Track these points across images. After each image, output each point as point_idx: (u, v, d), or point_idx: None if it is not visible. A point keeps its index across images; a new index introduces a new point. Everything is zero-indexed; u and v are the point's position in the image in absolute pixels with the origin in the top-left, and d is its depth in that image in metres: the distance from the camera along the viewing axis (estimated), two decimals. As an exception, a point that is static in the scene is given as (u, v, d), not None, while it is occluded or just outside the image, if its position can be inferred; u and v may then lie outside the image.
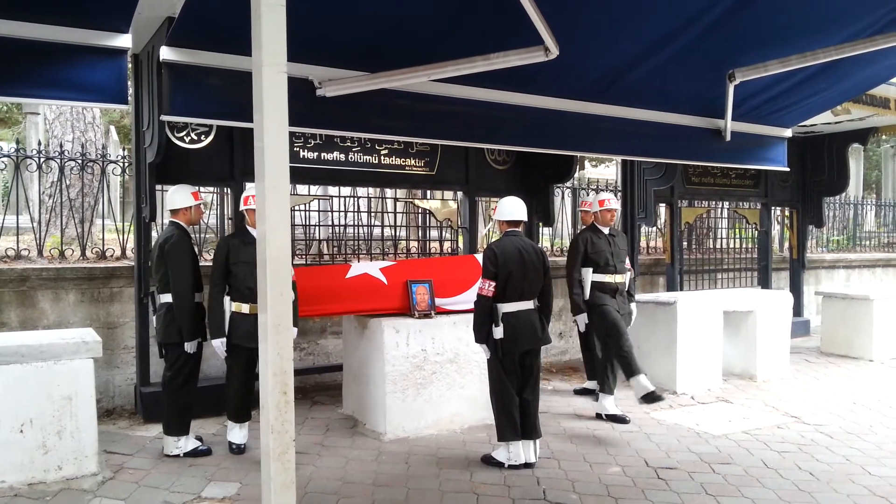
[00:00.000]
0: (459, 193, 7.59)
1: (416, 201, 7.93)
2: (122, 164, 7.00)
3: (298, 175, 6.26)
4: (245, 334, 4.82)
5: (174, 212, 5.09)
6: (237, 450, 5.03)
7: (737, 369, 7.55)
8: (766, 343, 7.53)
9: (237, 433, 5.08)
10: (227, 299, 4.96)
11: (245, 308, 4.88)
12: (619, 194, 8.70)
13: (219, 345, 4.93)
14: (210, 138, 5.79)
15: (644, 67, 4.71)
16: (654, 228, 9.68)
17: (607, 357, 5.93)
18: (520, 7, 3.56)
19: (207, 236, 7.69)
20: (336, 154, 6.57)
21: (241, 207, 5.11)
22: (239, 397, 5.05)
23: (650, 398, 5.39)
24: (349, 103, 4.27)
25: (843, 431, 5.69)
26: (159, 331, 5.00)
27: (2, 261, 6.08)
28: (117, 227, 6.90)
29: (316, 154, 6.47)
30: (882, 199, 18.61)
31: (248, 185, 5.55)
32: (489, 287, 4.71)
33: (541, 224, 7.93)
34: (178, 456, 4.92)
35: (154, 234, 5.88)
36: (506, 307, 4.74)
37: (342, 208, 7.27)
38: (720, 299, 7.32)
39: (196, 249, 5.29)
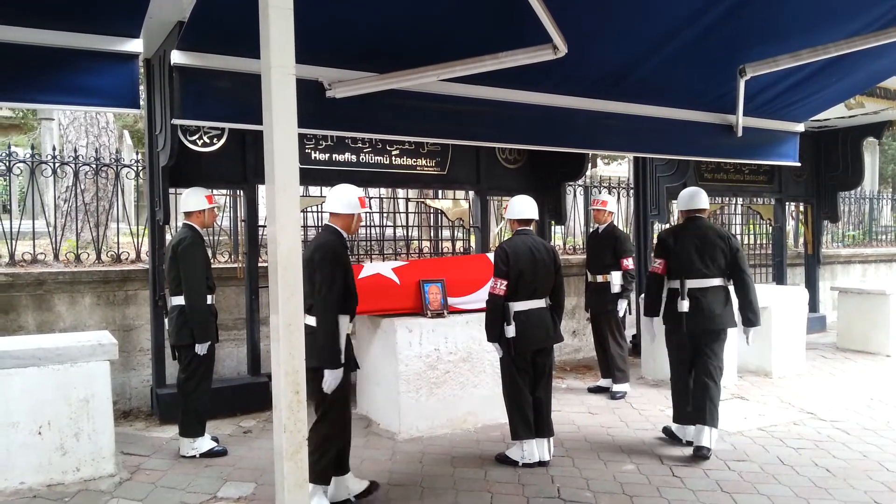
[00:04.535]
0: (471, 193, 7.59)
1: (428, 201, 7.94)
2: (135, 168, 7.07)
3: (310, 176, 6.29)
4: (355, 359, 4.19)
5: (188, 214, 5.12)
6: None
7: (752, 366, 7.51)
8: (782, 339, 7.49)
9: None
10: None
11: None
12: (632, 192, 8.66)
13: (339, 375, 3.98)
14: (222, 141, 5.84)
15: (653, 63, 4.70)
16: (667, 225, 9.64)
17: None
18: (528, 6, 3.56)
19: (221, 238, 7.74)
20: (347, 155, 6.59)
21: (358, 210, 4.18)
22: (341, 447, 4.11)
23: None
24: (359, 104, 4.28)
25: (860, 427, 5.64)
26: (172, 333, 5.04)
27: (18, 265, 6.15)
28: (132, 231, 6.97)
29: (327, 155, 6.49)
30: (898, 193, 18.42)
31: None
32: (501, 286, 4.71)
33: (553, 223, 7.92)
34: (194, 457, 4.96)
35: (168, 237, 5.93)
36: (518, 306, 4.74)
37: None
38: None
39: (209, 252, 5.31)
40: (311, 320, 3.88)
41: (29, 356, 4.32)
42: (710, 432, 4.95)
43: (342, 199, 4.16)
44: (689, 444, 5.10)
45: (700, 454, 4.90)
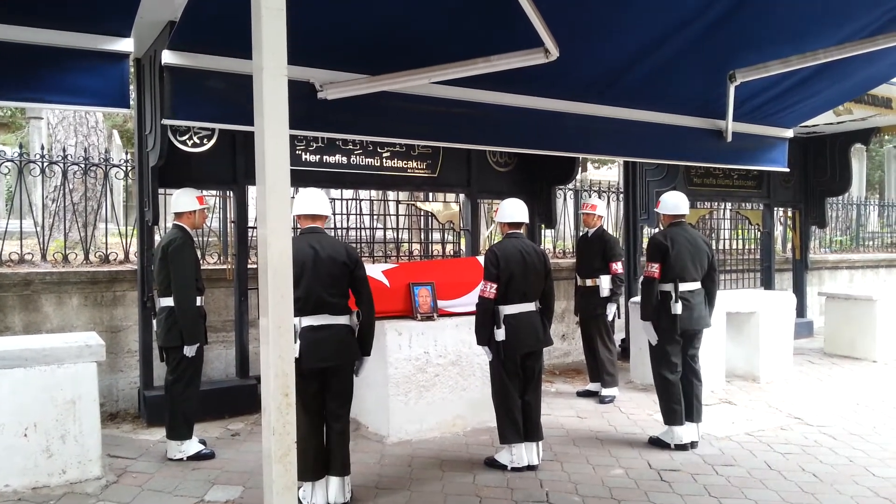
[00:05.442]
0: (461, 196, 7.59)
1: (418, 204, 7.93)
2: (124, 168, 7.03)
3: (300, 178, 6.26)
4: None
5: (178, 215, 5.09)
6: None
7: (740, 371, 7.54)
8: (770, 344, 7.52)
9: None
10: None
11: None
12: (622, 196, 8.66)
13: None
14: (212, 142, 5.81)
15: (644, 68, 4.71)
16: (656, 230, 9.68)
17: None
18: (520, 9, 3.56)
19: (210, 240, 7.70)
20: (338, 157, 6.58)
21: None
22: None
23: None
24: (350, 106, 4.27)
25: (847, 433, 5.67)
26: (160, 335, 5.00)
27: (6, 265, 6.09)
28: (120, 231, 6.92)
29: (318, 157, 6.48)
30: (885, 199, 18.56)
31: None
32: (491, 289, 4.71)
33: (543, 226, 7.93)
34: (181, 459, 4.92)
35: (157, 238, 5.89)
36: (507, 309, 4.74)
37: (344, 211, 7.28)
38: (723, 300, 7.29)
39: (199, 253, 5.28)
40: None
41: (15, 357, 4.28)
42: (699, 427, 5.36)
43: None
44: (678, 447, 5.20)
45: (694, 447, 5.27)
